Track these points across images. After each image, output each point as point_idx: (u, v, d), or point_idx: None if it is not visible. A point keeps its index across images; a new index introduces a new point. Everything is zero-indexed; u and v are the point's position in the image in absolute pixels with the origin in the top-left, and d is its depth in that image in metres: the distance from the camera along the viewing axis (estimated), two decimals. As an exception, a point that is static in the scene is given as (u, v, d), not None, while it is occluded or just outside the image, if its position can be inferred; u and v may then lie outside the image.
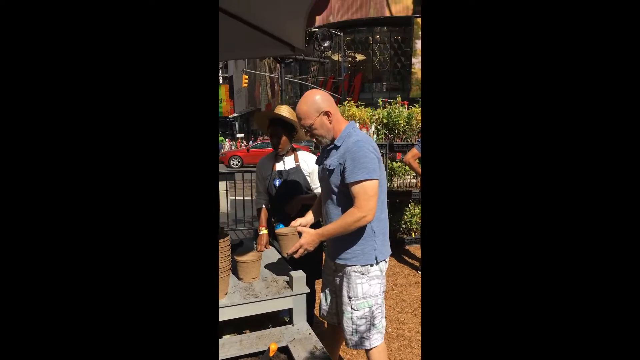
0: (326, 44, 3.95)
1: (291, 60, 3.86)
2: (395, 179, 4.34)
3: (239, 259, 1.62)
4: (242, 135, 29.96)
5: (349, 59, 21.82)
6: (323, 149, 1.71)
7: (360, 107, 4.07)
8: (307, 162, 2.21)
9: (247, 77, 20.97)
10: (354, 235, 1.54)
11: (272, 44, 1.66)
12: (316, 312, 2.34)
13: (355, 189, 1.47)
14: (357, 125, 1.65)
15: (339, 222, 1.51)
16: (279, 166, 2.21)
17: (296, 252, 1.55)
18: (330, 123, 1.56)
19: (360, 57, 22.37)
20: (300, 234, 1.62)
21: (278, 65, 3.92)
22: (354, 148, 1.47)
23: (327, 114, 1.54)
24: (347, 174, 1.48)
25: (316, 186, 2.20)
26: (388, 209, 1.69)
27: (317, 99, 1.53)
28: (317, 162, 1.77)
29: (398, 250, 4.08)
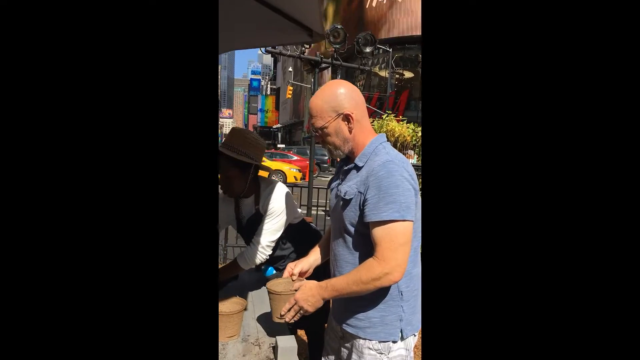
0: (368, 49, 3.53)
1: (327, 65, 3.47)
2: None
3: (213, 308, 1.20)
4: (283, 145, 30.25)
5: (397, 76, 21.31)
6: (339, 167, 1.25)
7: (401, 123, 3.58)
8: (265, 204, 1.56)
9: (291, 88, 21.11)
10: (373, 296, 1.07)
11: (286, 27, 1.29)
12: None
13: (379, 232, 1.01)
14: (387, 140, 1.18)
15: (351, 277, 1.04)
16: (241, 213, 1.66)
17: (289, 311, 1.10)
18: (351, 132, 1.10)
19: (408, 74, 21.79)
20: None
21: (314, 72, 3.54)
22: (381, 172, 1.01)
23: (347, 118, 1.08)
24: (369, 209, 1.02)
25: (270, 238, 1.55)
26: None
27: (340, 94, 1.08)
28: (329, 185, 1.31)
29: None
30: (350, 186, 1.08)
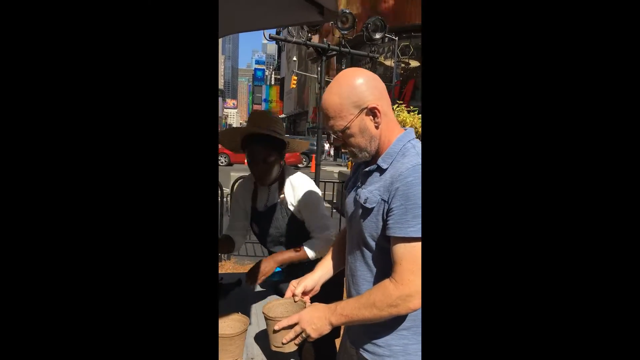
0: (378, 35, 3.32)
1: (334, 53, 3.28)
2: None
3: (212, 329, 1.05)
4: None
5: (402, 65, 20.91)
6: (356, 167, 1.09)
7: (412, 113, 3.39)
8: (292, 195, 1.45)
9: (296, 78, 20.81)
10: (394, 321, 0.92)
11: (293, 3, 1.11)
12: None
13: (401, 249, 0.85)
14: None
15: (363, 300, 0.89)
16: (260, 201, 1.52)
17: (289, 333, 0.95)
18: (378, 127, 0.93)
19: (414, 63, 21.38)
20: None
21: (320, 60, 3.34)
22: (409, 178, 0.85)
23: (373, 111, 0.90)
24: (393, 222, 0.86)
25: (311, 229, 1.46)
26: None
27: (359, 85, 0.90)
28: (345, 187, 1.14)
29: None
30: (372, 192, 0.91)
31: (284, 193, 1.46)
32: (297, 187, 1.44)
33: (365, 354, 0.98)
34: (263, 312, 1.01)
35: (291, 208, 1.46)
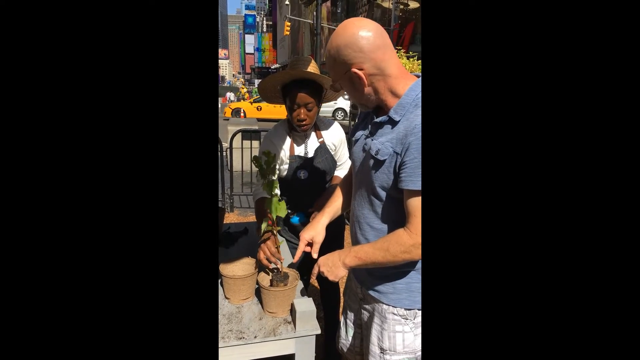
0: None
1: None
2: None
3: (225, 272, 1.13)
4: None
5: (401, 7, 19.81)
6: (365, 115, 1.09)
7: (412, 60, 3.30)
8: (331, 136, 1.57)
9: (289, 24, 19.80)
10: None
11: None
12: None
13: (415, 202, 0.88)
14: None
15: (377, 246, 0.95)
16: (300, 149, 1.53)
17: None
18: (364, 89, 0.94)
19: (413, 4, 20.21)
20: (302, 277, 1.15)
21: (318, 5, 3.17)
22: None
23: (355, 75, 0.91)
24: (406, 175, 0.87)
25: (342, 162, 1.60)
26: None
27: (346, 46, 0.89)
28: (352, 136, 1.16)
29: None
30: (384, 144, 0.93)
31: (322, 136, 1.55)
32: (332, 132, 1.56)
33: (371, 292, 1.05)
34: (258, 280, 1.12)
35: (332, 147, 1.56)
